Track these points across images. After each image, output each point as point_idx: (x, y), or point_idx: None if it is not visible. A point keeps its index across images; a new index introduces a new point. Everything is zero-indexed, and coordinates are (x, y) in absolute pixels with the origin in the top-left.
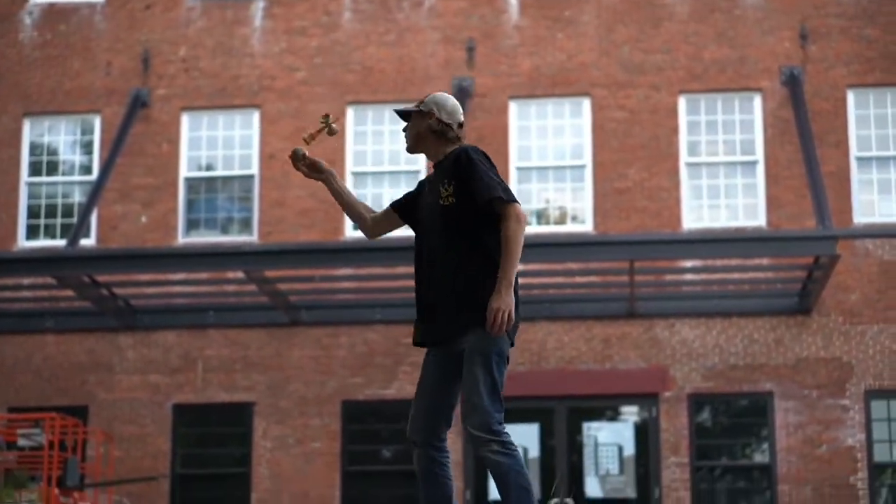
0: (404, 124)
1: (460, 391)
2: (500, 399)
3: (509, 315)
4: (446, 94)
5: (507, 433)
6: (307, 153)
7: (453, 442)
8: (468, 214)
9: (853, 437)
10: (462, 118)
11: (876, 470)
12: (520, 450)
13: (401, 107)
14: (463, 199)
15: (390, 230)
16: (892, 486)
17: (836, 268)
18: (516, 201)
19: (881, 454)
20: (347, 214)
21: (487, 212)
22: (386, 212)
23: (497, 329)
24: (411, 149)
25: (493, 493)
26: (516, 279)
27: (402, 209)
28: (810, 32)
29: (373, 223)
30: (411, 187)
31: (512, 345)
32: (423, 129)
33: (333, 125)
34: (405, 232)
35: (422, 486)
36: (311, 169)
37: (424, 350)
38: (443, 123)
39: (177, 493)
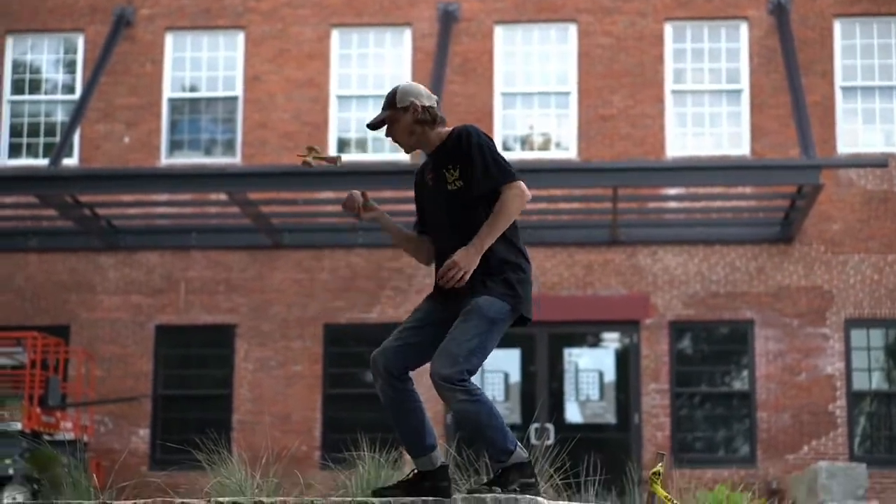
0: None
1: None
2: (480, 360)
3: (463, 276)
4: (409, 82)
5: (470, 381)
6: (364, 195)
7: None
8: (475, 196)
9: (832, 365)
10: (435, 96)
11: (854, 398)
12: (489, 392)
13: (373, 117)
14: (469, 182)
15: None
16: (871, 414)
17: (819, 197)
18: (518, 179)
19: (860, 382)
20: (406, 249)
21: (493, 196)
22: (424, 239)
23: (444, 280)
24: (409, 147)
25: None
26: (529, 261)
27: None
28: None
29: (427, 253)
30: None
31: (530, 320)
32: (412, 124)
33: (322, 156)
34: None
35: (393, 416)
36: (367, 210)
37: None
38: (426, 109)
39: (158, 414)
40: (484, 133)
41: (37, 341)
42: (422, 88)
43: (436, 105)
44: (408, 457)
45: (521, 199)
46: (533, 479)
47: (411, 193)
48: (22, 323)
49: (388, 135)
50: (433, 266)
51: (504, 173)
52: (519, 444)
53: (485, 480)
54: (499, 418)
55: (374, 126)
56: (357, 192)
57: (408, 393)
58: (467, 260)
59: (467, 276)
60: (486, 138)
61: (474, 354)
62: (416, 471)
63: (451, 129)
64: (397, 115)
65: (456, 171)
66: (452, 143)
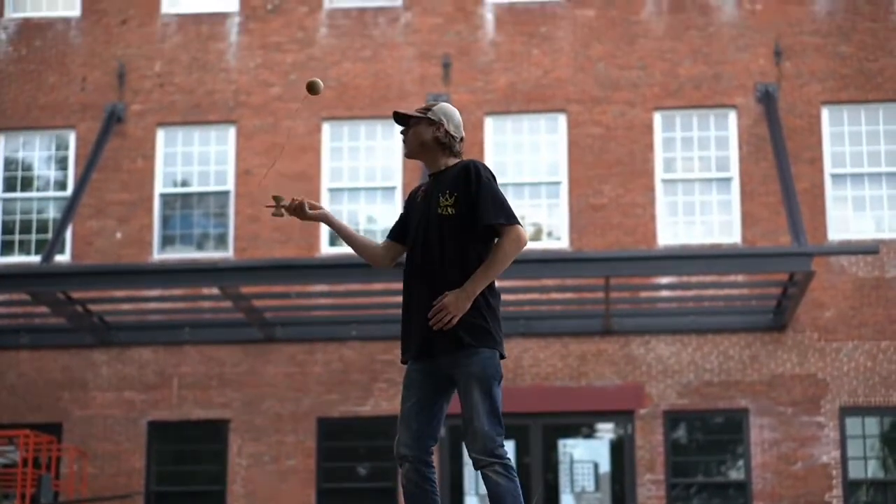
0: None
1: (448, 409)
2: (500, 419)
3: (451, 320)
4: (453, 107)
5: (508, 457)
6: (284, 199)
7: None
8: (466, 228)
9: (828, 454)
10: (464, 133)
11: (851, 487)
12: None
13: (405, 111)
14: (463, 213)
15: (396, 259)
16: None
17: (811, 284)
18: (519, 223)
19: (856, 471)
20: (353, 248)
21: (487, 231)
22: (385, 245)
23: (434, 322)
24: (412, 154)
25: None
26: (499, 296)
27: (399, 236)
28: (785, 49)
29: (380, 256)
30: (387, 203)
31: (504, 356)
32: (429, 139)
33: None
34: None
35: (410, 502)
36: (296, 212)
37: (402, 367)
38: (450, 136)
39: None
40: (489, 170)
41: (29, 439)
42: (458, 117)
43: (459, 141)
44: None
45: (518, 245)
46: None
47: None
48: (14, 421)
49: (402, 133)
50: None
51: (509, 214)
52: None
53: None
54: None
55: (399, 117)
56: (278, 196)
57: (430, 481)
58: (457, 305)
59: (455, 320)
60: (492, 175)
61: (494, 415)
62: None
63: (459, 160)
64: (421, 122)
65: (451, 198)
66: (456, 171)
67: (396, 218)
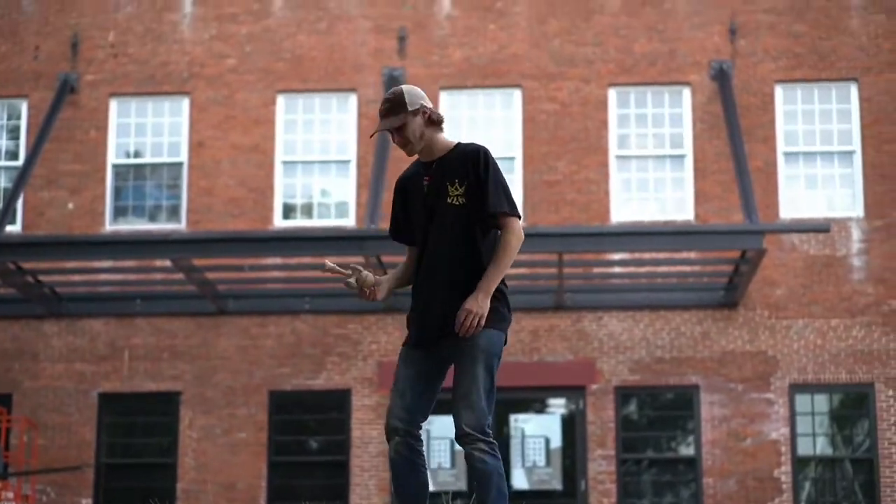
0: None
1: (451, 385)
2: (493, 399)
3: (479, 321)
4: (408, 84)
5: (491, 435)
6: (369, 277)
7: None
8: (473, 216)
9: (777, 430)
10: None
11: (799, 463)
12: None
13: (385, 122)
14: (472, 201)
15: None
16: (816, 480)
17: (763, 262)
18: (519, 215)
19: (805, 448)
20: (407, 284)
21: (489, 220)
22: (409, 255)
23: (463, 330)
24: (418, 149)
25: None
26: (504, 281)
27: (406, 233)
28: (739, 27)
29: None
30: (341, 177)
31: (505, 342)
32: (422, 126)
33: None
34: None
35: (399, 475)
36: (378, 289)
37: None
38: (431, 111)
39: (101, 483)
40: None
41: None
42: (420, 90)
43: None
44: None
45: (520, 238)
46: None
47: (356, 259)
48: None
49: (396, 140)
50: (407, 315)
51: (512, 204)
52: None
53: None
54: (506, 486)
55: (385, 130)
56: (364, 276)
57: (419, 454)
58: (479, 305)
59: (483, 321)
60: (494, 160)
61: (490, 393)
62: None
63: (455, 141)
64: (408, 118)
65: (462, 187)
66: (463, 157)
67: (398, 218)
